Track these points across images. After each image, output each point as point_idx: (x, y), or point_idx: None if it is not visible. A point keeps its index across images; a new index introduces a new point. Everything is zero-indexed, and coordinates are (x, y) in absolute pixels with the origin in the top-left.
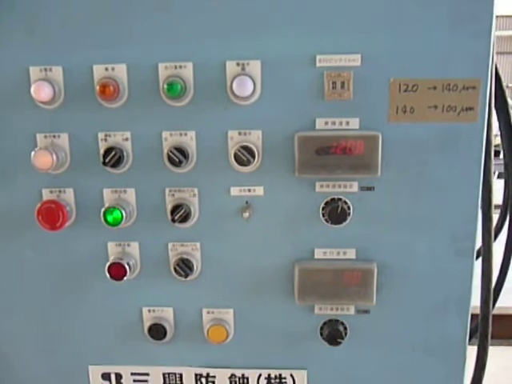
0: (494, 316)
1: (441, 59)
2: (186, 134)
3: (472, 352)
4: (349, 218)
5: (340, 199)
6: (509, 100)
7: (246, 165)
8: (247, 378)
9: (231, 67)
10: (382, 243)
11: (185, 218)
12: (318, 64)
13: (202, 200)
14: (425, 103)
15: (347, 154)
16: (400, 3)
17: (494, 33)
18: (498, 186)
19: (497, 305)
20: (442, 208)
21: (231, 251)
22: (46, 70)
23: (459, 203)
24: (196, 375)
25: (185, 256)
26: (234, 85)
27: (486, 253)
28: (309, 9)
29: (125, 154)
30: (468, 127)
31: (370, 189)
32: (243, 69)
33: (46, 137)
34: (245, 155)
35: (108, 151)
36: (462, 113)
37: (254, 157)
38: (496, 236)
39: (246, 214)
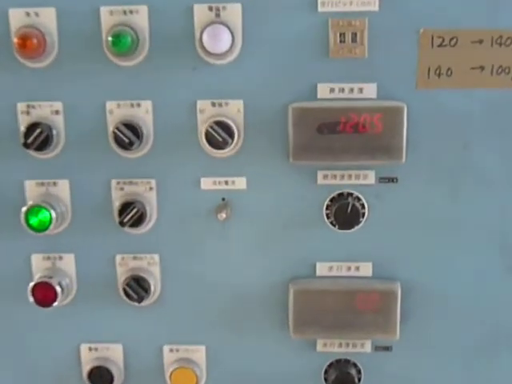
0: None
1: (489, 2)
2: (139, 105)
3: None
4: (363, 221)
5: (351, 195)
6: None
7: (221, 147)
8: None
9: (201, 13)
10: (408, 256)
11: (138, 220)
12: (320, 8)
13: (162, 196)
14: (467, 63)
15: (360, 132)
16: None
17: None
18: None
19: None
20: (489, 209)
21: (202, 266)
22: None
23: None
24: None
25: (138, 273)
26: (205, 37)
27: None
28: None
29: (54, 132)
30: None
31: (391, 180)
32: (218, 15)
33: None
34: (220, 134)
35: (31, 128)
36: None
37: (232, 136)
38: None
39: (223, 215)
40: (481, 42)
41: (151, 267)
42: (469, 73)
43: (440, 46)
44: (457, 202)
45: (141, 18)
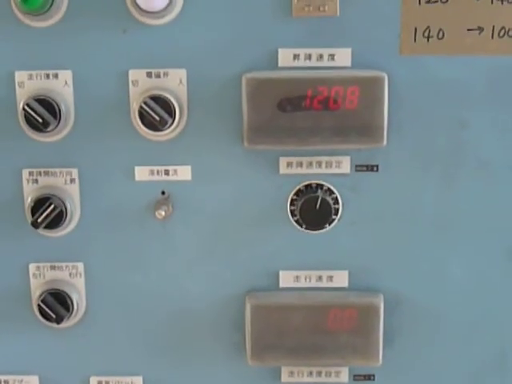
0: None
1: None
2: (56, 76)
3: None
4: (336, 219)
5: (321, 187)
6: None
7: (159, 128)
8: None
9: None
10: (392, 262)
11: (55, 220)
12: None
13: (86, 189)
14: (462, 23)
15: (331, 108)
16: None
17: None
18: None
19: None
20: (492, 203)
21: (137, 277)
22: None
23: None
24: None
25: (58, 286)
26: None
27: None
28: None
29: None
30: None
31: (371, 168)
32: None
33: None
34: (157, 112)
35: None
36: None
37: (172, 114)
38: None
39: (162, 213)
40: None
41: (74, 279)
42: (465, 35)
43: (429, 1)
44: (451, 194)
45: None
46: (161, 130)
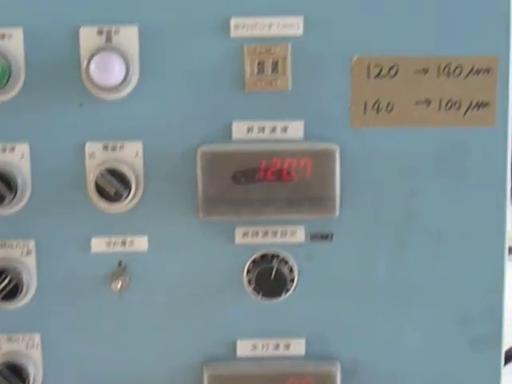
0: None
1: (435, 25)
2: (13, 150)
3: None
4: (292, 288)
5: (276, 256)
6: None
7: (115, 200)
8: None
9: (89, 37)
10: (348, 330)
11: (12, 292)
12: (233, 33)
13: (43, 261)
14: (410, 96)
15: (284, 180)
16: None
17: None
18: None
19: None
20: (442, 270)
21: (95, 347)
22: None
23: (473, 260)
24: None
25: (14, 359)
26: (93, 67)
27: None
28: None
29: None
30: (481, 134)
31: (325, 237)
32: (109, 40)
33: None
34: (113, 184)
35: None
36: (471, 111)
37: (128, 187)
38: None
39: (117, 286)
40: (426, 71)
41: (30, 351)
42: (413, 108)
43: (378, 76)
44: (403, 263)
45: (14, 44)
46: (117, 202)
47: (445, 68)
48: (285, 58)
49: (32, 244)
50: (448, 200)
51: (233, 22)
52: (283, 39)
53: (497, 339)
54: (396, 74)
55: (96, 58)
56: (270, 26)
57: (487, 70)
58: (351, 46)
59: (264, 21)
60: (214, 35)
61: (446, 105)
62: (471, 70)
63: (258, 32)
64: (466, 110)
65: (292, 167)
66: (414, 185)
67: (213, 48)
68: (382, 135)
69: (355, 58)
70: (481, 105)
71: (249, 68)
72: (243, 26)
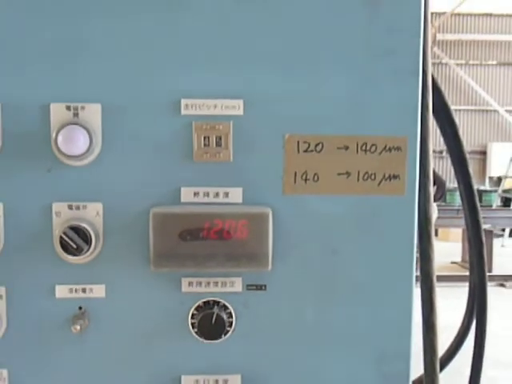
0: None
1: (354, 109)
2: None
3: None
4: (230, 331)
5: (217, 303)
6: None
7: (75, 254)
8: None
9: (58, 112)
10: (280, 367)
11: None
12: (183, 111)
13: (12, 305)
14: (333, 169)
15: (225, 238)
16: (300, 33)
17: (429, 71)
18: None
19: None
20: (361, 316)
21: (56, 383)
22: None
23: (386, 309)
24: None
25: None
26: (60, 139)
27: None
28: (172, 36)
29: None
30: (392, 202)
31: (259, 288)
32: (76, 115)
33: None
34: (75, 240)
35: None
36: (385, 182)
37: (88, 242)
38: (451, 357)
39: (77, 327)
40: (346, 148)
41: None
42: (335, 178)
43: (306, 151)
44: (328, 310)
45: None
46: (77, 256)
47: (362, 145)
48: (227, 134)
49: (2, 290)
50: (365, 256)
51: (183, 102)
52: (226, 118)
53: (406, 374)
54: (322, 149)
55: (63, 131)
56: (215, 107)
57: (398, 148)
58: (284, 126)
59: (210, 102)
60: (167, 113)
61: (363, 176)
62: (384, 147)
63: (204, 111)
64: (380, 181)
65: (232, 227)
66: (336, 244)
67: (166, 124)
68: (309, 201)
69: (287, 135)
70: (393, 177)
71: (196, 141)
72: (192, 106)
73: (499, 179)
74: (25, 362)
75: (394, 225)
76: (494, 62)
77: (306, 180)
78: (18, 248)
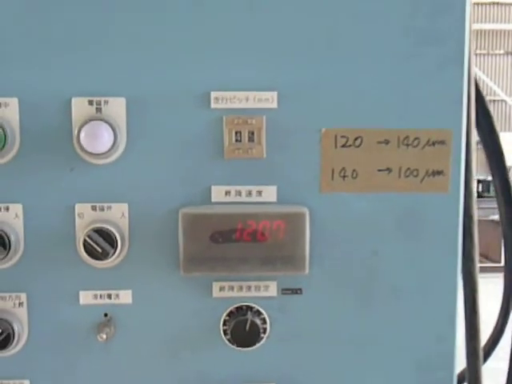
0: None
1: (395, 100)
2: (7, 209)
3: None
4: (265, 337)
5: (250, 308)
6: None
7: (101, 258)
8: None
9: (80, 107)
10: (316, 375)
11: (4, 342)
12: (213, 105)
13: (34, 312)
14: (373, 165)
15: (259, 240)
16: (337, 20)
17: (472, 59)
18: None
19: None
20: (402, 320)
21: None
22: None
23: (428, 313)
24: None
25: None
26: (83, 136)
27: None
28: (199, 24)
29: None
30: (436, 199)
31: (295, 292)
32: (99, 110)
33: None
34: (99, 244)
35: None
36: (428, 179)
37: (114, 245)
38: (487, 356)
39: (103, 336)
40: (387, 142)
41: None
42: (375, 175)
43: (344, 146)
44: (367, 315)
45: (10, 112)
46: (103, 260)
47: (404, 139)
48: (260, 129)
49: (23, 297)
50: (406, 259)
51: (213, 95)
52: (259, 111)
53: (449, 383)
54: (360, 144)
55: (86, 127)
56: (246, 99)
57: (442, 142)
58: (320, 119)
59: (241, 94)
60: (196, 106)
61: (405, 172)
62: (427, 141)
63: (235, 105)
64: (423, 178)
65: (266, 229)
66: (376, 245)
67: (194, 118)
68: (347, 199)
69: (324, 129)
70: (436, 173)
71: (227, 137)
72: (223, 99)
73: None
74: (47, 372)
75: (438, 224)
76: (502, 52)
77: (344, 177)
78: (39, 252)
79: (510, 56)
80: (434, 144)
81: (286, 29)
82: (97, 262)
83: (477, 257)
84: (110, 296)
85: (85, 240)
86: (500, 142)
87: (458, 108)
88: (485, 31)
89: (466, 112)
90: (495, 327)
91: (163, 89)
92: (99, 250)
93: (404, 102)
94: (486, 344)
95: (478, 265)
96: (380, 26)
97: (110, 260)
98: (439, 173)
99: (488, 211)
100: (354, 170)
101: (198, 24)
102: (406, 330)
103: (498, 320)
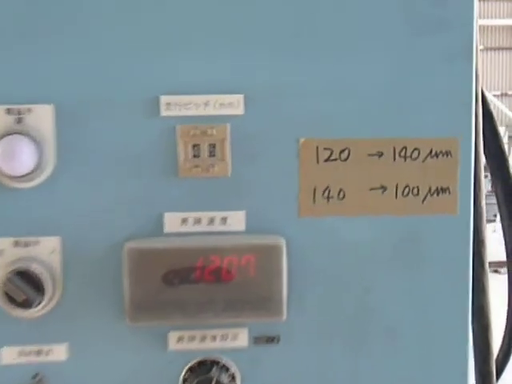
0: None
1: (390, 103)
2: None
3: None
4: None
5: (216, 363)
6: None
7: (25, 307)
8: None
9: None
10: None
11: None
12: (164, 112)
13: None
14: (364, 182)
15: (224, 280)
16: (318, 4)
17: (478, 54)
18: None
19: None
20: (401, 375)
21: None
22: None
23: (433, 364)
24: None
25: None
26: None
27: None
28: (146, 16)
29: None
30: (441, 222)
31: (271, 340)
32: (19, 121)
33: None
34: (23, 289)
35: None
36: (431, 198)
37: (41, 291)
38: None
39: None
40: (380, 154)
41: None
42: (367, 195)
43: (328, 160)
44: (358, 368)
45: None
46: (29, 308)
47: (401, 151)
48: (223, 141)
49: None
50: (406, 297)
51: (163, 99)
52: (221, 119)
53: None
54: (348, 157)
55: (2, 143)
56: (206, 104)
57: (447, 153)
58: (299, 127)
59: (199, 99)
60: (142, 115)
61: (403, 191)
62: (430, 152)
63: (192, 111)
64: (425, 197)
65: (233, 265)
66: (369, 279)
67: (140, 129)
68: (333, 225)
69: (303, 140)
70: (441, 190)
71: (182, 152)
72: (176, 105)
73: None
74: None
75: (444, 252)
76: (481, 47)
77: (328, 198)
78: None
79: (489, 51)
80: (437, 155)
81: (254, 15)
82: (21, 311)
83: (488, 286)
84: (39, 352)
85: (4, 285)
86: (504, 146)
87: (466, 111)
88: None
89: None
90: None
91: (101, 93)
92: (23, 296)
93: (401, 104)
94: (497, 359)
95: (490, 297)
96: (372, 12)
97: (37, 308)
98: (444, 190)
99: None
100: (340, 190)
101: (143, 15)
102: (403, 376)
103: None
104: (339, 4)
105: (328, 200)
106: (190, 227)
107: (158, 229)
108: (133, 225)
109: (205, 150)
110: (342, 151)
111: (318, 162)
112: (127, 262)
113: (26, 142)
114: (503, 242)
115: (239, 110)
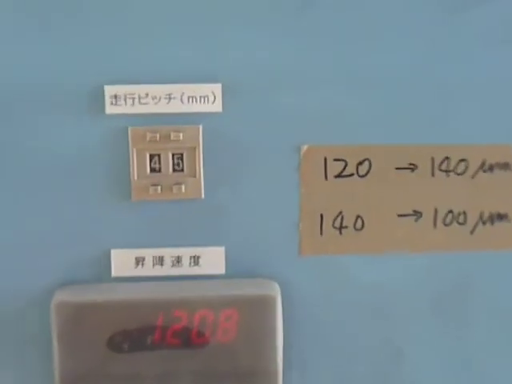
0: None
1: (422, 99)
2: None
3: None
4: None
5: None
6: None
7: None
8: None
9: None
10: None
11: None
12: (109, 108)
13: None
14: (390, 206)
15: (195, 344)
16: None
17: None
18: None
19: None
20: None
21: None
22: None
23: None
24: None
25: None
26: None
27: None
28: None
29: None
30: (497, 261)
31: None
32: None
33: None
34: None
35: None
36: (483, 227)
37: None
38: None
39: None
40: (413, 168)
41: None
42: (394, 223)
43: (340, 175)
44: None
45: None
46: None
47: (442, 163)
48: (194, 149)
49: None
50: (447, 360)
51: (108, 90)
52: (191, 119)
53: None
54: (368, 171)
55: None
56: (169, 98)
57: (505, 166)
58: (298, 130)
59: (158, 89)
60: (79, 111)
61: (445, 218)
62: (482, 165)
63: (149, 107)
64: (475, 226)
65: (207, 324)
66: (400, 339)
67: (79, 131)
68: (347, 266)
69: (305, 147)
70: (497, 217)
71: (135, 164)
72: (126, 98)
73: None
74: None
75: (499, 302)
76: None
77: (340, 228)
78: None
79: None
80: (491, 169)
81: None
82: None
83: None
84: None
85: None
86: None
87: None
88: None
89: None
90: None
91: (26, 84)
92: None
93: (439, 99)
94: None
95: None
96: None
97: None
98: (502, 217)
99: None
100: (357, 217)
101: None
102: None
103: None
104: None
105: (340, 231)
106: (147, 270)
107: (102, 272)
108: (67, 266)
109: (168, 163)
110: (359, 163)
111: (326, 178)
112: (56, 321)
113: None
114: None
115: (216, 106)
